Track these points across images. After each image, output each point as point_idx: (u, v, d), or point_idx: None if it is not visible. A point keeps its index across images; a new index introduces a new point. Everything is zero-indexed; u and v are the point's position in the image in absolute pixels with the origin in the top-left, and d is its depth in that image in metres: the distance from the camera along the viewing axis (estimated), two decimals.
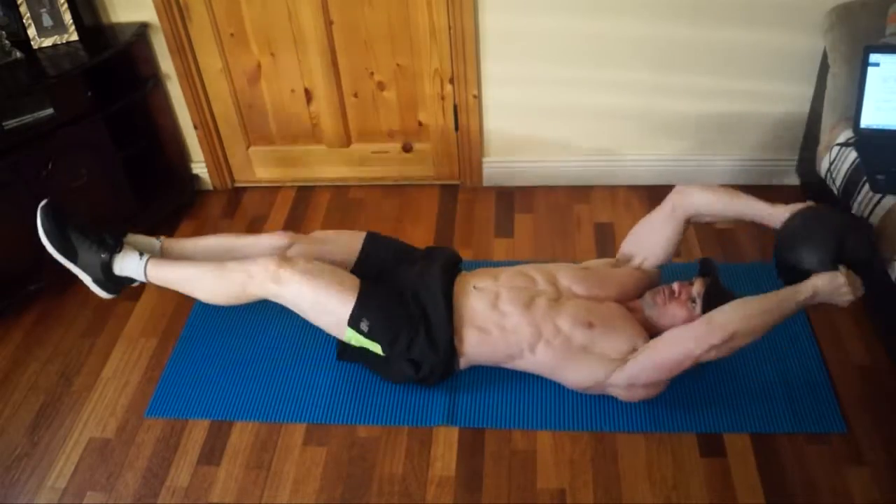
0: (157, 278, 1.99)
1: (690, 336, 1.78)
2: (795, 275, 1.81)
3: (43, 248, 2.38)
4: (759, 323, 1.75)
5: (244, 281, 1.91)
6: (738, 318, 1.75)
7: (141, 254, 2.00)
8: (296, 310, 1.95)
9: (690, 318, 1.87)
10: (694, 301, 1.90)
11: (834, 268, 1.76)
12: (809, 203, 1.89)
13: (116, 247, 1.98)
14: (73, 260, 1.98)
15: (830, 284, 1.74)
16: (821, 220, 1.83)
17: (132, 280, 2.03)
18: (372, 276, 2.02)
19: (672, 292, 1.92)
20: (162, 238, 2.11)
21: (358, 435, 1.95)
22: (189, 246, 2.11)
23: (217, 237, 2.13)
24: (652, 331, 1.93)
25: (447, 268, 2.05)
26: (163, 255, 2.07)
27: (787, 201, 2.61)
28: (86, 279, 2.01)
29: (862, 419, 1.89)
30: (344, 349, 2.07)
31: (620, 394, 1.92)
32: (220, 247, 2.09)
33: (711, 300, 1.87)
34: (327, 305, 1.90)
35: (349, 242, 2.12)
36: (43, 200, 1.96)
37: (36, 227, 1.94)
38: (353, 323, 1.90)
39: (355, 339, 1.93)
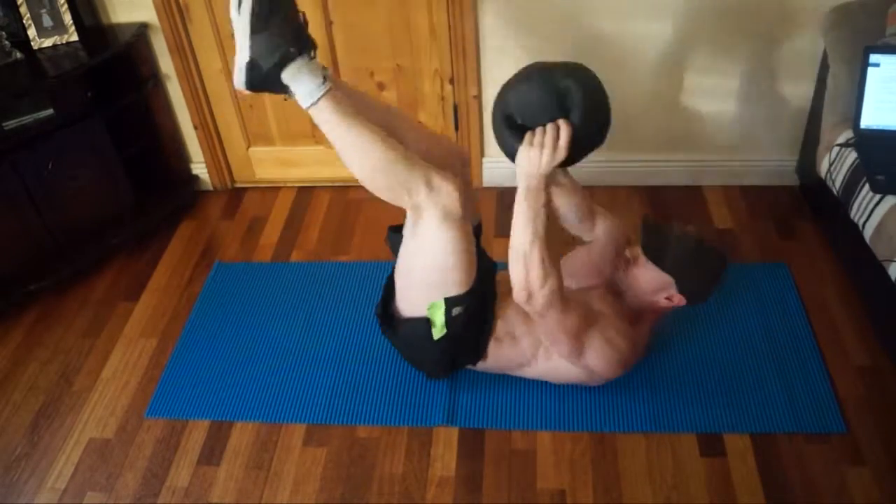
0: (325, 116, 1.68)
1: (523, 302, 1.72)
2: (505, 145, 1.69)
3: (43, 247, 2.38)
4: (521, 245, 1.65)
5: (419, 188, 1.69)
6: (511, 265, 1.67)
7: (325, 77, 1.67)
8: (416, 245, 1.78)
9: (652, 276, 1.83)
10: (644, 259, 1.84)
11: (520, 141, 1.62)
12: None
13: (311, 51, 1.65)
14: (258, 30, 1.60)
15: (522, 160, 1.61)
16: (492, 111, 1.69)
17: (287, 93, 1.70)
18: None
19: (627, 260, 1.89)
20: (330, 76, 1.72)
21: (358, 435, 1.95)
22: (363, 101, 1.80)
23: (393, 111, 1.87)
24: (640, 310, 1.90)
25: (494, 277, 1.97)
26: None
27: (787, 201, 2.64)
28: (241, 58, 1.65)
29: (862, 419, 1.89)
30: (385, 307, 1.93)
31: (592, 372, 1.87)
32: (394, 122, 1.81)
33: (656, 247, 1.82)
34: (448, 271, 1.75)
35: (474, 213, 1.93)
36: None
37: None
38: (450, 304, 1.78)
39: (434, 311, 1.80)
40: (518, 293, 1.70)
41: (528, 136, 1.60)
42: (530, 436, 1.92)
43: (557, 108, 1.59)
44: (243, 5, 1.59)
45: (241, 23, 1.61)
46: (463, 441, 1.92)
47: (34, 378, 2.20)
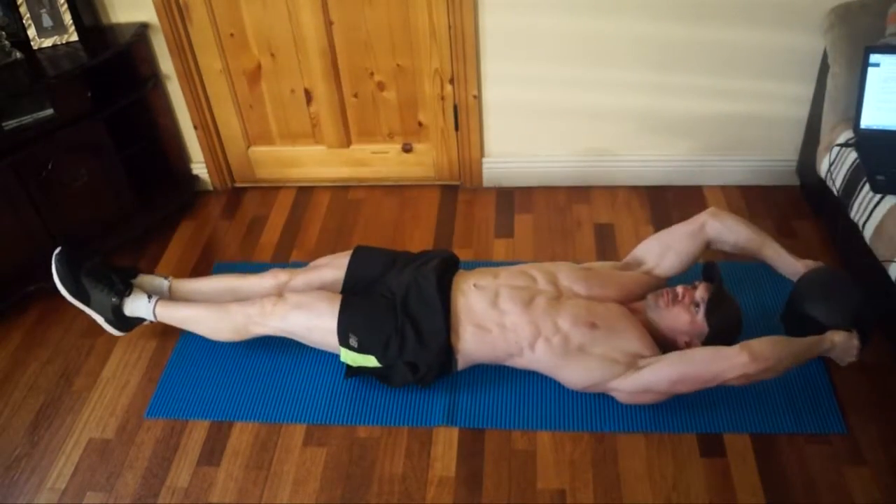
0: (165, 318, 2.14)
1: (727, 359, 1.78)
2: (807, 325, 1.90)
3: (43, 247, 2.38)
4: (787, 364, 1.81)
5: (244, 322, 2.05)
6: (775, 354, 1.78)
7: (150, 296, 2.13)
8: (301, 340, 2.07)
9: (693, 322, 1.90)
10: (697, 305, 1.90)
11: (848, 329, 1.86)
12: (822, 264, 2.08)
13: (126, 290, 2.12)
14: (87, 303, 2.12)
15: (846, 343, 1.85)
16: (844, 284, 1.95)
17: (142, 320, 2.16)
18: (361, 289, 2.07)
19: (675, 295, 1.93)
20: (170, 278, 2.23)
21: (358, 435, 1.95)
22: (195, 286, 2.23)
23: (221, 278, 2.25)
24: (652, 333, 1.93)
25: (443, 267, 2.05)
26: (171, 293, 2.21)
27: (787, 201, 2.64)
28: (99, 319, 2.14)
29: (862, 419, 1.89)
30: (349, 369, 2.07)
31: (623, 397, 1.91)
32: (225, 287, 2.21)
33: (715, 306, 1.89)
34: (320, 327, 1.99)
35: (337, 262, 2.17)
36: (57, 248, 2.11)
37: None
38: (343, 341, 1.96)
39: (351, 358, 1.99)
40: (747, 365, 1.76)
41: (856, 332, 1.87)
42: (530, 436, 1.92)
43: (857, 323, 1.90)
44: (66, 297, 2.11)
45: (77, 305, 2.12)
46: (463, 441, 1.92)
47: (34, 378, 2.20)
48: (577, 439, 1.90)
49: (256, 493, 1.84)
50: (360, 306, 2.00)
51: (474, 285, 1.98)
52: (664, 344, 1.94)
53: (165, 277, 2.23)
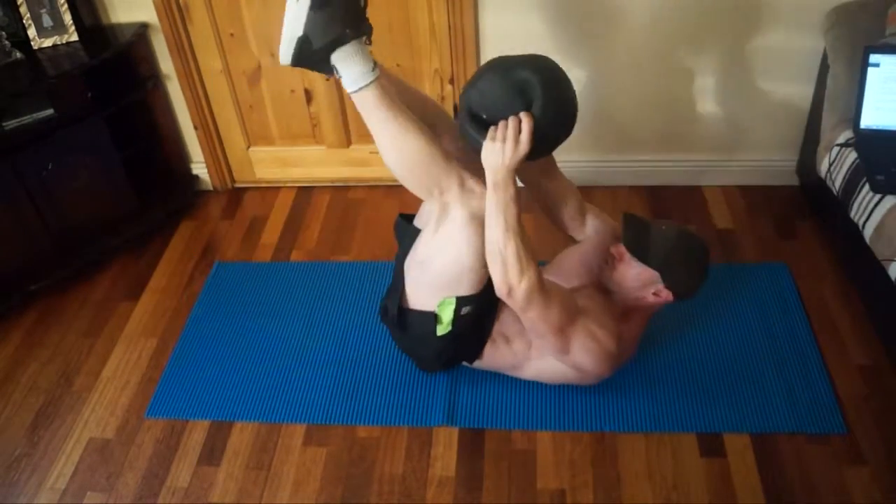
0: (368, 104, 1.68)
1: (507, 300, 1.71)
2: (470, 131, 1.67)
3: (43, 247, 2.37)
4: (496, 242, 1.64)
5: (451, 186, 1.70)
6: (488, 260, 1.67)
7: (375, 65, 1.68)
8: (443, 239, 1.77)
9: (638, 273, 1.82)
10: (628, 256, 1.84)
11: (485, 136, 1.60)
12: None
13: (365, 38, 1.65)
14: (316, 8, 1.57)
15: (488, 156, 1.60)
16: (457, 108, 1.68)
17: (332, 74, 1.68)
18: None
19: (613, 256, 1.88)
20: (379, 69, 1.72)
21: (358, 435, 1.95)
22: (407, 94, 1.82)
23: (427, 99, 1.87)
24: (625, 304, 1.89)
25: None
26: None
27: (787, 201, 2.64)
28: (292, 31, 1.62)
29: (862, 419, 1.89)
30: (390, 299, 1.94)
31: (582, 369, 1.86)
32: (430, 118, 1.82)
33: (638, 243, 1.81)
34: (468, 271, 1.76)
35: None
36: None
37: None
38: (461, 303, 1.80)
39: (444, 307, 1.82)
40: (499, 288, 1.69)
41: (490, 130, 1.59)
42: (530, 436, 1.92)
43: (520, 102, 1.59)
44: None
45: None
46: (463, 441, 1.92)
47: (34, 378, 2.20)
48: (577, 439, 1.90)
49: (256, 494, 1.84)
50: (484, 298, 1.83)
51: None
52: (647, 310, 1.91)
53: (375, 68, 1.69)
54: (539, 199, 2.03)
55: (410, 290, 1.88)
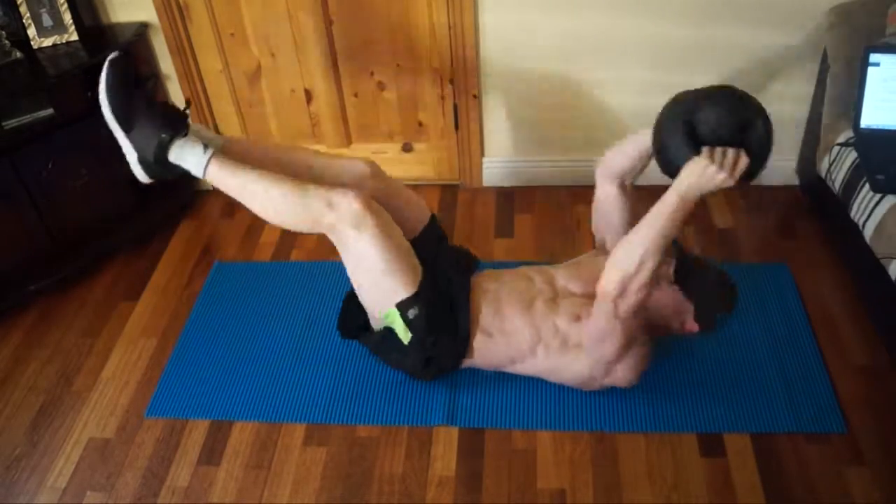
0: (217, 179, 1.75)
1: (599, 298, 1.74)
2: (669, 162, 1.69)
3: (43, 247, 2.37)
4: (647, 246, 1.63)
5: (322, 211, 1.73)
6: (622, 257, 1.66)
7: (206, 146, 1.75)
8: (350, 261, 1.83)
9: (675, 301, 1.85)
10: (673, 283, 1.87)
11: (696, 153, 1.59)
12: None
13: (183, 129, 1.74)
14: (127, 130, 1.74)
15: (694, 171, 1.58)
16: (666, 110, 1.70)
17: (184, 172, 1.79)
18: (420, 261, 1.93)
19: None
20: (224, 136, 1.86)
21: (358, 435, 1.95)
22: (256, 151, 1.86)
23: (289, 147, 1.90)
24: (649, 326, 1.90)
25: (468, 271, 2.04)
26: (224, 154, 1.81)
27: (787, 201, 2.64)
28: (130, 157, 1.78)
29: (862, 419, 1.89)
30: (345, 322, 1.99)
31: (613, 378, 1.88)
32: (293, 159, 1.88)
33: (685, 275, 1.85)
34: (387, 276, 1.79)
35: (416, 216, 2.01)
36: (114, 53, 1.73)
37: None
38: (404, 307, 1.82)
39: (391, 318, 1.85)
40: (613, 286, 1.67)
41: (708, 149, 1.57)
42: (530, 436, 1.92)
43: (739, 138, 1.59)
44: (105, 114, 1.75)
45: (114, 129, 1.77)
46: (463, 441, 1.92)
47: (34, 378, 2.20)
48: (577, 439, 1.90)
49: (256, 493, 1.84)
50: (432, 289, 1.86)
51: (483, 291, 1.96)
52: (663, 334, 1.93)
53: (218, 133, 1.83)
54: (611, 202, 2.00)
55: (368, 312, 1.95)
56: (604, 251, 2.05)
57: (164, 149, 1.73)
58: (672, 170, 1.66)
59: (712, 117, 1.60)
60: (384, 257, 1.78)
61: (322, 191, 1.74)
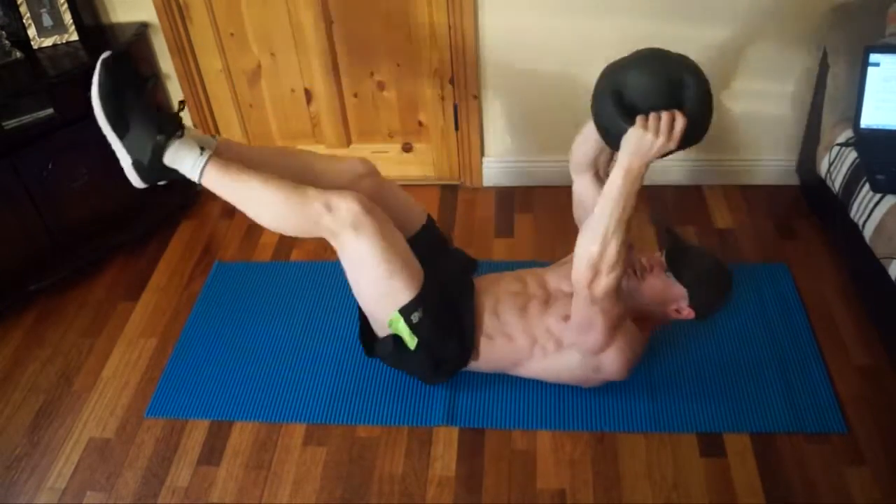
0: (213, 183, 1.74)
1: (575, 289, 1.72)
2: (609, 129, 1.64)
3: (43, 247, 2.37)
4: (607, 225, 1.60)
5: (321, 213, 1.71)
6: (586, 242, 1.63)
7: (202, 149, 1.73)
8: (351, 267, 1.81)
9: (667, 287, 1.84)
10: (667, 269, 1.86)
11: (631, 123, 1.55)
12: None
13: (178, 131, 1.72)
14: (121, 134, 1.70)
15: (631, 142, 1.54)
16: (596, 85, 1.65)
17: (179, 175, 1.78)
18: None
19: (644, 267, 1.88)
20: (218, 137, 1.83)
21: (358, 435, 1.95)
22: (252, 153, 1.84)
23: (284, 149, 1.87)
24: (642, 316, 1.90)
25: (469, 274, 2.04)
26: (219, 156, 1.80)
27: (787, 201, 2.64)
28: (124, 162, 1.75)
29: (862, 419, 1.89)
30: (365, 339, 1.99)
31: (604, 370, 1.86)
32: (289, 161, 1.85)
33: (679, 262, 1.84)
34: (388, 279, 1.78)
35: (412, 219, 1.99)
36: (106, 52, 1.68)
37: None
38: (406, 311, 1.80)
39: (395, 324, 1.83)
40: (583, 271, 1.65)
41: (641, 118, 1.54)
42: (530, 436, 1.92)
43: (673, 99, 1.56)
44: (98, 118, 1.71)
45: (107, 133, 1.73)
46: (463, 441, 1.92)
47: (34, 378, 2.20)
48: (577, 439, 1.90)
49: (256, 493, 1.84)
50: (435, 292, 1.84)
51: (483, 294, 1.96)
52: (660, 321, 1.93)
53: (213, 136, 1.82)
54: (588, 194, 1.95)
55: (371, 321, 1.93)
56: None
57: (159, 151, 1.72)
58: (616, 144, 1.61)
59: (639, 83, 1.56)
60: (384, 258, 1.76)
61: (320, 193, 1.73)
